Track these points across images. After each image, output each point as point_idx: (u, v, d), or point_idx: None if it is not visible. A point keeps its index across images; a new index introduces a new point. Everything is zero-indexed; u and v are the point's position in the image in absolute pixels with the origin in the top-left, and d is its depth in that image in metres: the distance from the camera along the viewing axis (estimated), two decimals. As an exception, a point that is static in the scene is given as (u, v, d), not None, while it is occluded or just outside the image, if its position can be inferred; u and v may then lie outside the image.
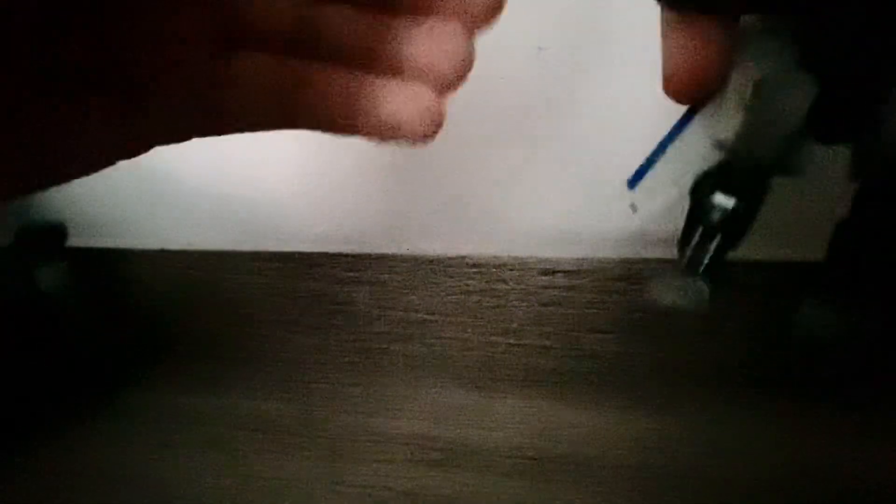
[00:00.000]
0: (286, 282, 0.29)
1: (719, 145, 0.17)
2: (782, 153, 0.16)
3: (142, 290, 0.32)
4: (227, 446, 0.25)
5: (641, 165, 0.20)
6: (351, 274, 0.28)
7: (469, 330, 0.26)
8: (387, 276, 0.27)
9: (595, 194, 0.26)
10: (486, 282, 0.26)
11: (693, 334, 0.24)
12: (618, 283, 0.25)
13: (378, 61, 0.17)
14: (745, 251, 0.24)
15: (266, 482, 0.24)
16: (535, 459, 0.23)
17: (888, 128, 0.16)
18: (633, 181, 0.21)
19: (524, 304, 0.26)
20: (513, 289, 0.26)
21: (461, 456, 0.23)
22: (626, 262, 0.24)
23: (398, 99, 0.17)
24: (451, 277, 0.27)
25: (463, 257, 0.26)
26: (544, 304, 0.25)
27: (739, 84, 0.17)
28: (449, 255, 0.27)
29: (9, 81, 0.14)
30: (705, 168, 0.17)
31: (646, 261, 0.24)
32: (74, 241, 0.29)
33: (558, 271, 0.25)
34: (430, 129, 0.16)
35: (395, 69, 0.17)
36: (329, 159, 0.27)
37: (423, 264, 0.27)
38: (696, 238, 0.18)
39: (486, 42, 0.26)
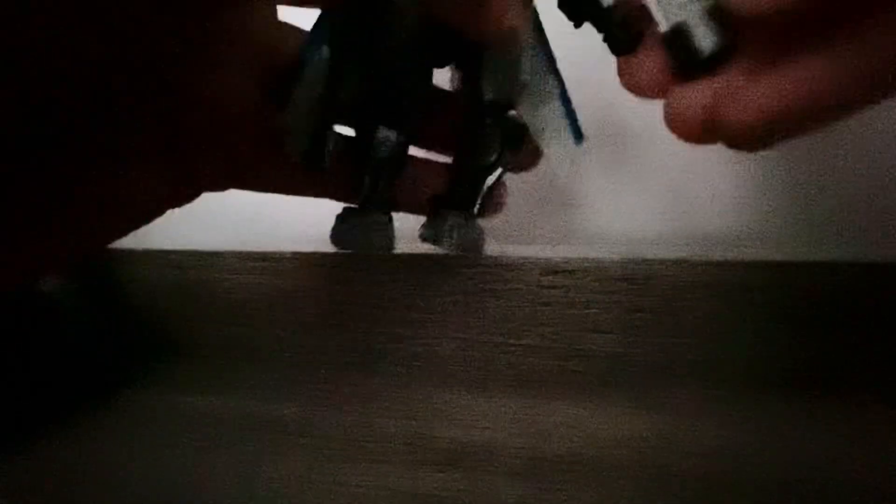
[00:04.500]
0: (286, 282, 0.29)
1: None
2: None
3: (142, 290, 0.32)
4: (228, 446, 0.25)
5: (573, 119, 0.21)
6: (351, 274, 0.28)
7: (469, 330, 0.26)
8: (387, 276, 0.27)
9: (595, 193, 0.26)
10: (486, 282, 0.26)
11: (693, 334, 0.24)
12: (618, 283, 0.25)
13: None
14: (747, 251, 0.24)
15: (266, 482, 0.24)
16: (535, 459, 0.23)
17: None
18: (580, 137, 0.21)
19: (524, 304, 0.26)
20: (512, 289, 0.26)
21: (461, 456, 0.23)
22: (626, 262, 0.24)
23: None
24: (452, 277, 0.27)
25: (463, 257, 0.26)
26: (544, 304, 0.25)
27: None
28: (449, 255, 0.27)
29: (70, 145, 0.15)
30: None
31: (646, 261, 0.24)
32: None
33: (558, 271, 0.25)
34: None
35: None
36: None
37: (423, 264, 0.27)
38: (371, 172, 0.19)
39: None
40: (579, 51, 0.25)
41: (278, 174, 0.19)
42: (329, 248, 0.29)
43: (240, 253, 0.29)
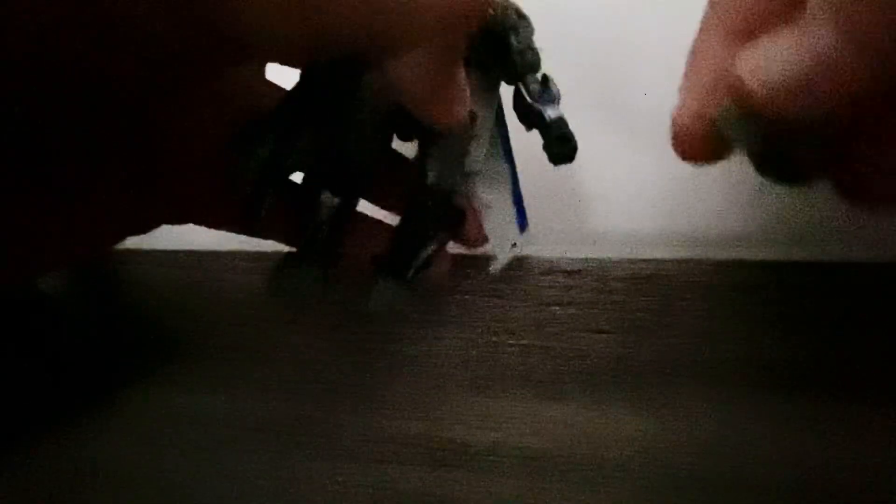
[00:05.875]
0: (286, 282, 0.29)
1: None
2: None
3: (142, 290, 0.32)
4: (227, 446, 0.25)
5: (520, 211, 0.23)
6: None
7: (469, 330, 0.26)
8: (387, 276, 0.27)
9: (595, 194, 0.26)
10: (487, 282, 0.26)
11: (693, 334, 0.24)
12: (618, 283, 0.25)
13: None
14: (747, 251, 0.24)
15: (266, 482, 0.24)
16: (535, 459, 0.23)
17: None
18: (524, 225, 0.23)
19: (524, 304, 0.26)
20: (513, 289, 0.26)
21: (461, 456, 0.23)
22: (626, 262, 0.24)
23: None
24: (452, 277, 0.27)
25: (463, 257, 0.26)
26: (544, 304, 0.25)
27: None
28: (449, 254, 0.27)
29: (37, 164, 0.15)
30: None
31: (646, 261, 0.24)
32: (74, 241, 0.29)
33: (558, 271, 0.25)
34: None
35: None
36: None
37: (423, 264, 0.27)
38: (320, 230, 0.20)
39: (486, 42, 0.26)
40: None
41: (230, 215, 0.20)
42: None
43: (240, 253, 0.29)
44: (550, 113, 0.20)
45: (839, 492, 0.20)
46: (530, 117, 0.21)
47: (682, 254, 0.24)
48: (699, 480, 0.21)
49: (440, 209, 0.20)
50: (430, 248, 0.20)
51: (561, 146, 0.20)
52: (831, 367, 0.22)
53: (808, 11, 0.11)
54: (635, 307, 0.24)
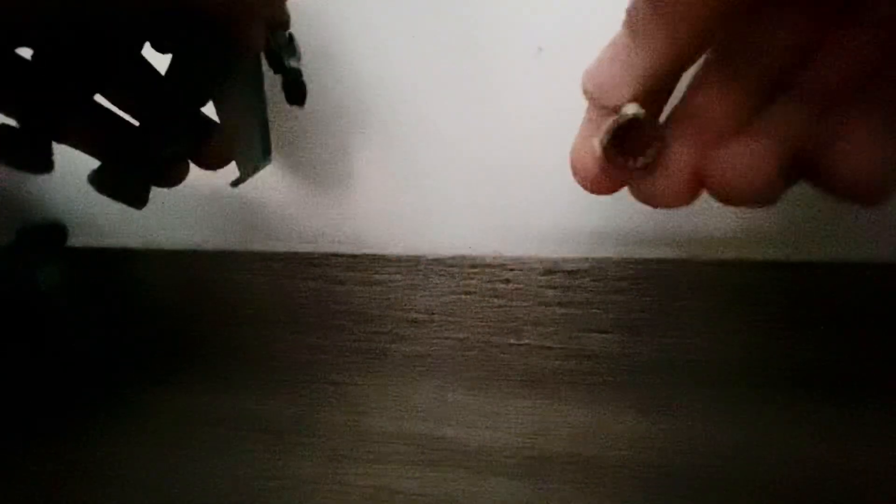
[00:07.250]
0: (286, 282, 0.29)
1: None
2: None
3: (142, 291, 0.32)
4: (228, 446, 0.25)
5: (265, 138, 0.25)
6: (351, 274, 0.28)
7: (469, 330, 0.26)
8: (387, 276, 0.27)
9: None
10: (486, 282, 0.26)
11: (693, 334, 0.24)
12: (618, 283, 0.25)
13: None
14: (746, 251, 0.24)
15: (266, 482, 0.24)
16: (535, 459, 0.23)
17: None
18: (267, 153, 0.25)
19: (524, 304, 0.26)
20: (513, 289, 0.26)
21: (461, 456, 0.23)
22: (626, 262, 0.24)
23: None
24: (451, 277, 0.27)
25: (463, 257, 0.26)
26: (544, 304, 0.25)
27: None
28: (449, 255, 0.27)
29: None
30: None
31: (646, 261, 0.24)
32: (74, 241, 0.29)
33: (558, 271, 0.25)
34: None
35: None
36: (329, 159, 0.27)
37: (423, 264, 0.27)
38: None
39: (487, 42, 0.26)
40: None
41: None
42: (329, 248, 0.29)
43: (241, 253, 0.29)
44: (291, 63, 0.25)
45: (840, 492, 0.20)
46: (275, 63, 0.24)
47: (682, 254, 0.24)
48: (699, 480, 0.21)
49: (187, 121, 0.21)
50: (171, 154, 0.21)
51: (294, 90, 0.25)
52: (831, 367, 0.22)
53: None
54: (635, 307, 0.24)
